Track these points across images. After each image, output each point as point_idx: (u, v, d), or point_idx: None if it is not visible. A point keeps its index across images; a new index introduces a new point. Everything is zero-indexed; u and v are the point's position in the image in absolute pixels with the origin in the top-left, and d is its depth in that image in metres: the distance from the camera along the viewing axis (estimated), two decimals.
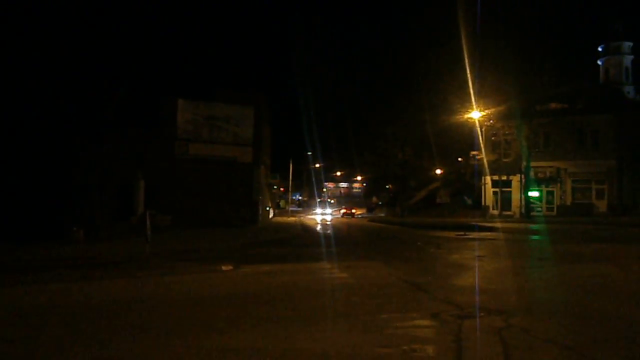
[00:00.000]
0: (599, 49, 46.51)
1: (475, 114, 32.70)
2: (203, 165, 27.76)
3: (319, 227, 32.21)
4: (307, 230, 28.98)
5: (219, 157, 28.39)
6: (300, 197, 75.29)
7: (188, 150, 28.23)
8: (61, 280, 10.26)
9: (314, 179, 63.89)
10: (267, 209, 38.93)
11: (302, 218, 47.06)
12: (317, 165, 69.39)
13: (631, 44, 45.28)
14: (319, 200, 71.95)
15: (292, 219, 45.40)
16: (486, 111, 33.00)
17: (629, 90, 43.04)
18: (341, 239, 22.08)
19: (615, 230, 23.30)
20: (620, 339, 5.85)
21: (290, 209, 59.84)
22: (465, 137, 38.91)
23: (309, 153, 66.69)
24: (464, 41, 27.06)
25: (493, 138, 38.00)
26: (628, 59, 45.07)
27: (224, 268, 11.97)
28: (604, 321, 6.64)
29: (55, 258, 13.97)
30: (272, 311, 7.53)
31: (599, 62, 46.43)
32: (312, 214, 61.33)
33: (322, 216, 55.70)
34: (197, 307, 7.70)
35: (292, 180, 61.44)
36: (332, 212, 62.39)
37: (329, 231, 28.23)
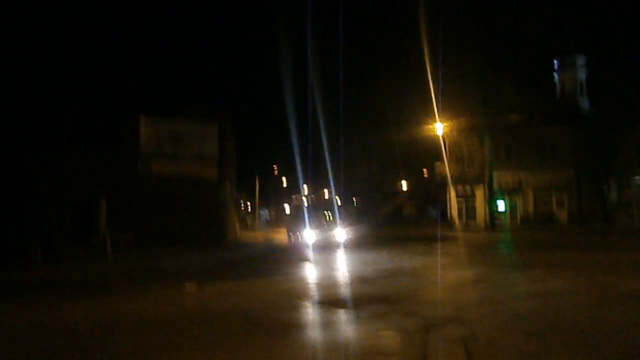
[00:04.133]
0: (555, 63, 48.05)
1: (439, 127, 33.27)
2: (167, 182, 27.24)
3: (281, 242, 31.92)
4: (275, 247, 28.70)
5: (183, 173, 27.90)
6: (267, 213, 74.67)
7: (151, 167, 27.68)
8: (15, 305, 9.85)
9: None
10: (234, 226, 38.51)
11: (269, 234, 46.59)
12: (284, 181, 69.18)
13: (585, 58, 46.94)
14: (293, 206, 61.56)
15: (259, 235, 44.98)
16: (449, 123, 33.61)
17: (583, 103, 44.52)
18: (295, 251, 21.87)
19: (575, 239, 23.90)
20: (581, 345, 5.96)
21: (258, 225, 59.32)
22: (429, 149, 39.50)
23: (274, 167, 66.41)
24: (426, 55, 27.59)
25: (457, 150, 38.73)
26: (582, 73, 46.70)
27: (187, 287, 11.72)
28: (566, 328, 6.75)
29: (9, 281, 13.43)
30: (236, 328, 7.41)
31: (555, 76, 47.95)
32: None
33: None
34: (159, 328, 7.51)
35: (258, 197, 61.01)
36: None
37: (296, 246, 27.99)
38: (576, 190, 36.14)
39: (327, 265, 16.07)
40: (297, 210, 28.05)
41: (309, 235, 23.19)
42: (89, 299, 10.38)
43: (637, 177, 35.90)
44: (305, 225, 23.61)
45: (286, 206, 66.48)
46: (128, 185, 26.09)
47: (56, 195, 19.56)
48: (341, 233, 23.75)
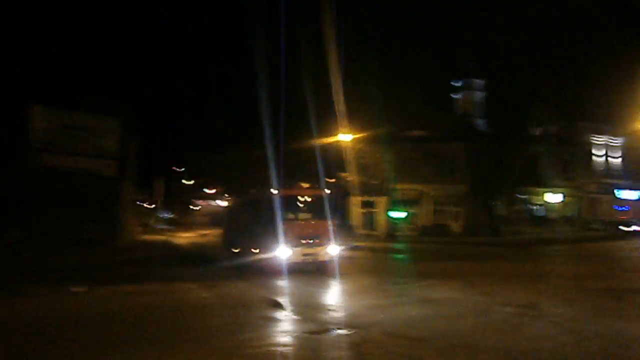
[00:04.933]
0: (456, 84, 51.12)
1: (345, 138, 34.08)
2: (61, 178, 25.52)
3: (185, 246, 31.15)
4: (174, 249, 27.90)
5: (79, 169, 26.30)
6: (169, 215, 72.34)
7: (44, 161, 25.86)
8: None
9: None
10: (132, 226, 36.94)
11: (170, 236, 45.23)
12: (190, 182, 67.37)
13: (482, 81, 50.33)
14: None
15: (159, 237, 43.53)
16: (355, 135, 34.53)
17: (479, 122, 47.64)
18: (205, 257, 21.47)
19: (466, 249, 25.40)
20: (464, 348, 6.35)
21: (159, 226, 57.32)
22: (335, 160, 40.30)
23: (181, 169, 64.51)
24: (333, 68, 28.21)
25: (361, 161, 39.83)
26: (479, 95, 50.06)
27: (77, 290, 11.06)
28: (450, 333, 7.16)
29: None
30: (127, 334, 7.11)
31: (456, 96, 50.99)
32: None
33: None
34: (43, 333, 7.04)
35: (160, 197, 58.99)
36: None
37: (194, 250, 27.39)
38: (469, 204, 38.45)
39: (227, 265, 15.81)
40: (252, 207, 16.98)
41: (281, 250, 13.86)
42: None
43: (522, 195, 38.98)
44: (274, 234, 13.97)
45: (219, 202, 52.64)
46: (17, 179, 24.23)
47: None
48: (334, 247, 14.64)
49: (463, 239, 33.03)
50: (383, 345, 6.49)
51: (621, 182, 40.34)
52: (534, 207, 39.78)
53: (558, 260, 19.49)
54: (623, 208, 40.13)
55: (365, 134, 34.75)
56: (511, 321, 7.94)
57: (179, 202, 69.21)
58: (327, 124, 33.41)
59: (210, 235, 36.49)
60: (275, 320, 8.04)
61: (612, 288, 11.16)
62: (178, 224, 63.66)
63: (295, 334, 7.02)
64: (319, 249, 14.42)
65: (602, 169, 40.56)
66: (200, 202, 67.94)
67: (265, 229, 14.53)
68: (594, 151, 40.64)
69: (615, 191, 40.29)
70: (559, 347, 6.36)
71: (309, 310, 8.82)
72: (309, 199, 15.49)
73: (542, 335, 6.96)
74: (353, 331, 7.11)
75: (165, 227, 58.26)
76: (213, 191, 66.57)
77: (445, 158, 39.03)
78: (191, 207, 68.26)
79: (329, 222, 15.17)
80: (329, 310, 8.90)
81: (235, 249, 17.20)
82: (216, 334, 7.15)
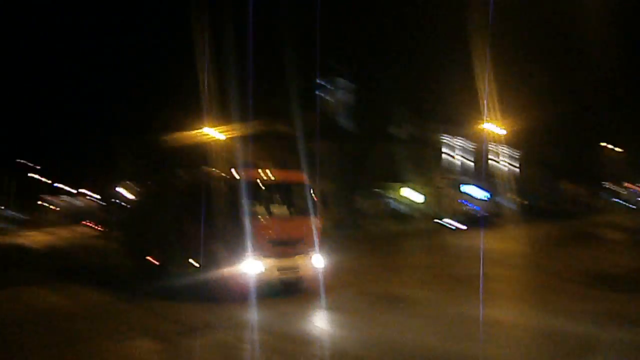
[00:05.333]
0: (322, 83, 52.81)
1: (210, 131, 33.71)
2: None
3: (39, 247, 28.53)
4: (23, 252, 25.43)
5: None
6: (17, 214, 65.57)
7: None
8: None
9: None
10: None
11: (17, 237, 40.91)
12: (45, 179, 61.55)
13: (349, 81, 52.57)
14: None
15: (3, 238, 39.34)
16: (223, 129, 34.26)
17: (345, 121, 49.70)
18: (66, 260, 19.97)
19: (328, 243, 26.37)
20: (328, 336, 6.77)
21: (2, 226, 51.73)
22: (202, 154, 39.62)
23: (36, 164, 58.64)
24: (205, 59, 27.77)
25: (229, 156, 39.59)
26: (346, 95, 52.20)
27: None
28: (316, 325, 7.58)
29: None
30: None
31: (321, 94, 52.63)
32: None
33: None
34: None
35: (10, 195, 53.59)
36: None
37: (51, 251, 25.26)
38: (334, 200, 40.18)
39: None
40: (188, 197, 11.08)
41: (245, 264, 9.37)
42: None
43: (382, 191, 41.72)
44: (231, 238, 9.73)
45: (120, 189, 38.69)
46: None
47: None
48: (319, 258, 10.48)
49: (327, 234, 34.43)
50: (255, 343, 6.71)
51: (466, 178, 44.92)
52: (392, 202, 42.77)
53: (412, 251, 21.17)
54: (466, 202, 44.59)
55: (233, 129, 34.62)
56: (370, 310, 8.59)
57: (31, 200, 63.07)
58: (200, 117, 32.81)
59: (63, 234, 33.87)
60: (142, 321, 7.86)
61: (457, 275, 12.47)
62: (28, 224, 57.85)
63: (161, 336, 6.96)
64: (300, 260, 10.12)
65: (449, 166, 44.96)
66: (56, 198, 62.68)
67: (212, 231, 9.89)
68: (443, 150, 44.89)
69: (460, 186, 44.76)
70: (413, 330, 7.05)
71: (175, 310, 8.74)
72: (284, 187, 11.06)
73: (397, 321, 7.65)
74: (222, 330, 7.22)
75: (10, 227, 52.82)
76: (70, 187, 61.80)
77: (313, 155, 40.29)
78: (45, 204, 62.73)
79: (314, 221, 10.90)
80: (196, 310, 8.87)
81: (155, 259, 12.11)
82: (77, 340, 6.83)
